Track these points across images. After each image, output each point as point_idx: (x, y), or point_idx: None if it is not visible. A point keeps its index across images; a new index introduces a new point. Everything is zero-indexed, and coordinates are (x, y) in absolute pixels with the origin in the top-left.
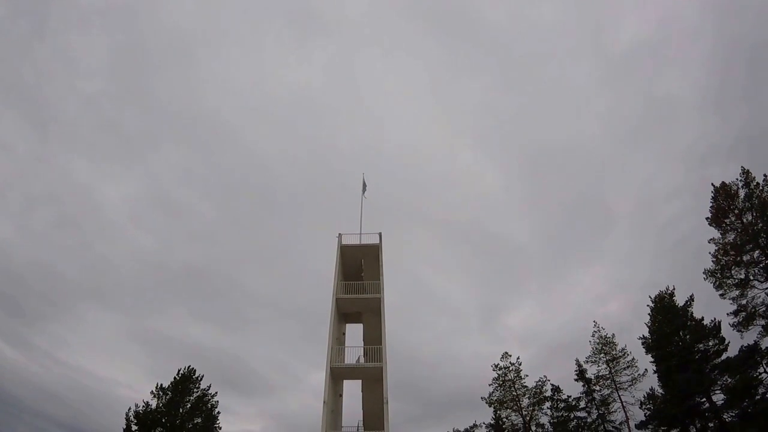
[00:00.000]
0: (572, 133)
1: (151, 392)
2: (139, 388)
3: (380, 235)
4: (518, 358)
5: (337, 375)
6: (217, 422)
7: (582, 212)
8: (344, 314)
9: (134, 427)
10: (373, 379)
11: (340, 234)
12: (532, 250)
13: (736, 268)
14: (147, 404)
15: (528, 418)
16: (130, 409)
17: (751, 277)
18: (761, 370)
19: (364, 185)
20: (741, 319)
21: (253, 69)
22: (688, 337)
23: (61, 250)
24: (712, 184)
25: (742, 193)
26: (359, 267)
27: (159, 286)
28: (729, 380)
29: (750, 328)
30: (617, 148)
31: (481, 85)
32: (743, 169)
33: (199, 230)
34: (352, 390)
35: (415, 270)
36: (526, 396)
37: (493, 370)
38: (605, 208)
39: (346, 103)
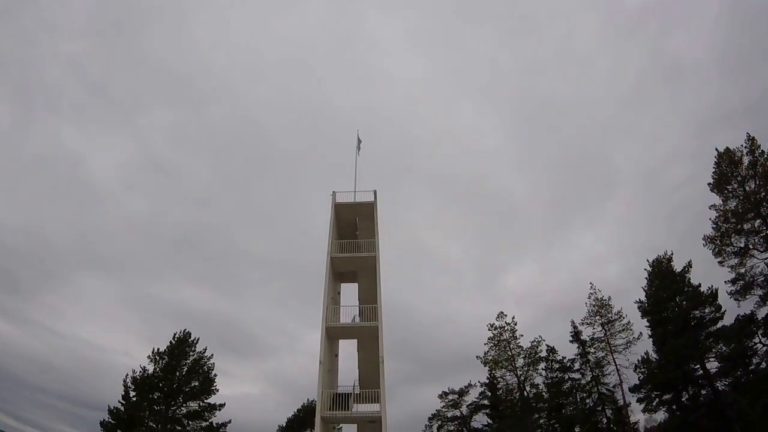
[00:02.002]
0: (576, 91)
1: (148, 357)
2: (137, 355)
3: (375, 192)
4: (513, 317)
5: (333, 335)
6: (215, 385)
7: (584, 172)
8: (339, 273)
9: (132, 393)
10: (368, 339)
11: (334, 192)
12: (532, 210)
13: (736, 236)
14: (144, 369)
15: (522, 378)
16: (127, 375)
17: (751, 246)
18: (756, 340)
19: (359, 142)
20: (739, 288)
21: (245, 23)
22: (684, 303)
23: (52, 220)
24: (716, 149)
25: (746, 160)
26: (354, 226)
27: (153, 251)
28: (724, 348)
29: (747, 297)
30: (622, 108)
31: (484, 38)
32: (749, 135)
33: (193, 192)
34: (348, 350)
35: (413, 228)
36: (521, 356)
37: (489, 330)
38: (608, 168)
39: (342, 57)
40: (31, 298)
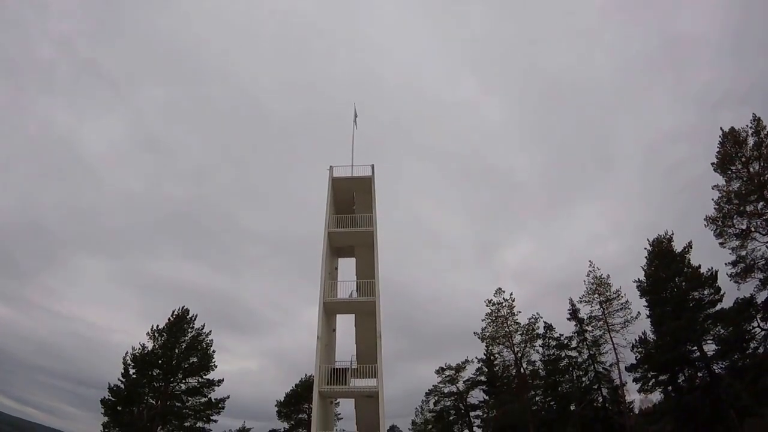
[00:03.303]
0: (580, 65)
1: (147, 334)
2: (135, 333)
3: (372, 167)
4: (512, 294)
5: (330, 310)
6: (213, 361)
7: (585, 148)
8: (337, 248)
9: (132, 371)
10: (366, 314)
11: (331, 166)
12: (532, 186)
13: (738, 218)
14: (143, 346)
15: (519, 354)
16: (127, 353)
17: (753, 229)
18: (755, 324)
19: (355, 116)
20: (739, 270)
21: None
22: (683, 284)
23: (47, 201)
24: (721, 128)
25: (751, 141)
26: (352, 200)
27: (150, 229)
28: (722, 331)
29: (747, 280)
30: (626, 84)
31: (486, 10)
32: (754, 116)
33: (189, 168)
34: (346, 325)
35: (412, 204)
36: (519, 332)
37: (487, 306)
38: (610, 145)
39: (340, 29)
40: (28, 280)
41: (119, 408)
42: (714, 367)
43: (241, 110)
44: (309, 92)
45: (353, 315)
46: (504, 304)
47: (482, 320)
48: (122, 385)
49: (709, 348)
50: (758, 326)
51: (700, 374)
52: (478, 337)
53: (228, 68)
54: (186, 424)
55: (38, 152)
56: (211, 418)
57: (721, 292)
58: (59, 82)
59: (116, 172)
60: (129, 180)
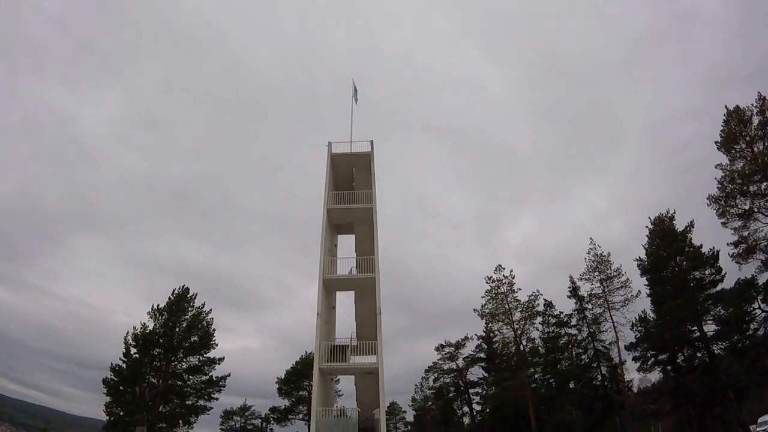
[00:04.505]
0: (585, 39)
1: (148, 314)
2: (136, 314)
3: (371, 143)
4: (511, 271)
5: (330, 286)
6: (214, 339)
7: (589, 126)
8: (336, 225)
9: (133, 350)
10: (365, 291)
11: (329, 142)
12: (535, 163)
13: (741, 198)
14: (144, 326)
15: (519, 332)
16: (128, 333)
17: (756, 209)
18: (756, 305)
19: (355, 91)
20: (741, 251)
21: None
22: (684, 263)
23: (44, 182)
24: (726, 107)
25: (755, 120)
26: (351, 177)
27: (150, 208)
28: (722, 312)
29: (749, 261)
30: (632, 59)
31: None
32: (760, 95)
33: (187, 146)
34: (346, 302)
35: (413, 180)
36: (518, 310)
37: (486, 283)
38: (614, 122)
39: (338, 2)
40: (28, 263)
41: (121, 387)
42: (713, 348)
43: (240, 88)
44: (308, 68)
45: (353, 292)
46: (504, 281)
47: (482, 297)
48: (124, 365)
49: (709, 328)
50: (759, 308)
51: (699, 354)
52: (478, 315)
53: (226, 46)
54: (188, 402)
55: (35, 134)
56: (213, 396)
57: (723, 273)
58: (53, 61)
59: (114, 152)
60: (127, 158)
